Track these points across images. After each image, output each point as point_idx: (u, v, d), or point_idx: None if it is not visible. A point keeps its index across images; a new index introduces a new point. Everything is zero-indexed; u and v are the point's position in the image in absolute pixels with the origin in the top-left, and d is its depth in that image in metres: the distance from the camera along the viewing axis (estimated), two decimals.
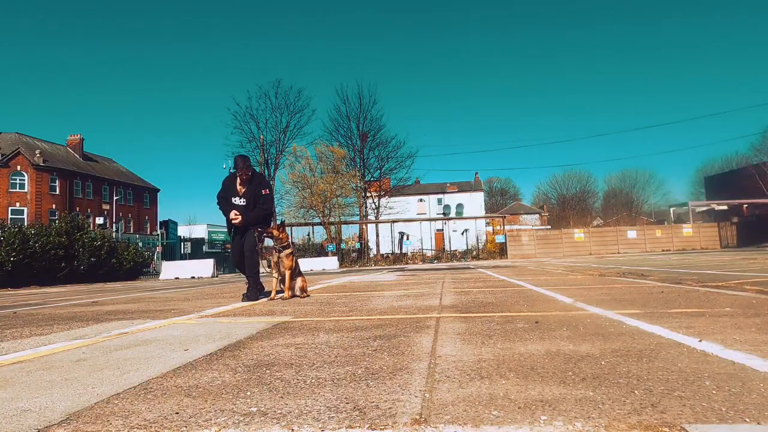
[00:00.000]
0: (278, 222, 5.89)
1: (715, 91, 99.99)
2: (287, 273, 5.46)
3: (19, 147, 40.54)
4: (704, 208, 49.14)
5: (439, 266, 23.37)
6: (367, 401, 1.51)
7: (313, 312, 4.23)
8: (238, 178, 5.76)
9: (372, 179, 41.93)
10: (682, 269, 9.21)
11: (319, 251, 38.61)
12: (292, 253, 5.52)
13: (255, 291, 5.69)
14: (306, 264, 31.88)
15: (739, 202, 45.75)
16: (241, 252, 5.77)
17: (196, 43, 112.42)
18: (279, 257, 5.43)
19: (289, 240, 5.59)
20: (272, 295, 5.64)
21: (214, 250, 40.87)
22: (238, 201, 5.71)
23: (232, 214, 5.60)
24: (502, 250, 37.67)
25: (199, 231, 54.00)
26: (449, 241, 40.83)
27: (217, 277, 22.32)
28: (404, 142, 65.55)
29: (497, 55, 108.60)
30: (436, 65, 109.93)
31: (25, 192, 39.92)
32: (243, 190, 5.75)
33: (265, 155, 38.74)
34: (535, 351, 2.16)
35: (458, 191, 57.76)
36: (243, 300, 5.62)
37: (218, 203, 5.84)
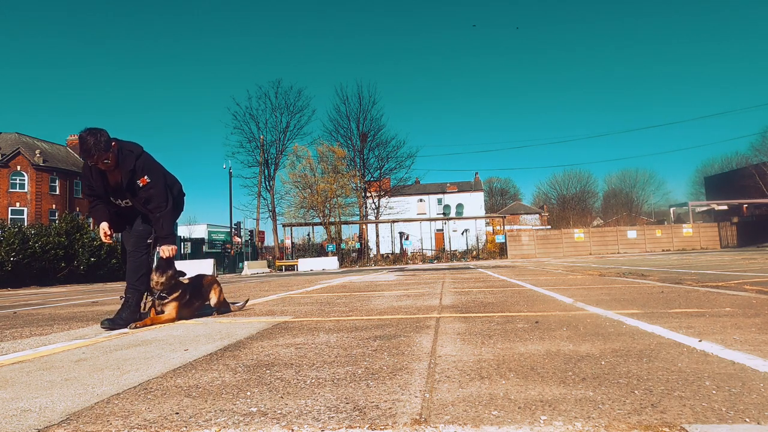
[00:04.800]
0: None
1: (715, 91, 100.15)
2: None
3: (19, 147, 40.54)
4: (704, 208, 49.14)
5: (439, 266, 23.37)
6: (367, 401, 1.51)
7: (313, 312, 4.23)
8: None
9: (372, 179, 41.96)
10: (682, 269, 9.20)
11: (319, 251, 38.65)
12: (177, 298, 3.84)
13: (129, 310, 3.72)
14: (306, 264, 31.91)
15: (739, 202, 45.75)
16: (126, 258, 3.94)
17: (196, 43, 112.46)
18: (162, 307, 3.79)
19: (174, 280, 3.83)
20: (145, 319, 3.70)
21: (214, 250, 40.89)
22: (121, 203, 3.86)
23: (104, 229, 3.83)
24: (502, 250, 37.68)
25: (199, 231, 53.93)
26: (449, 241, 40.83)
27: (216, 277, 22.31)
28: (404, 142, 65.92)
29: (497, 54, 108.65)
30: (436, 65, 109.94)
31: (25, 192, 39.90)
32: (120, 180, 3.73)
33: (265, 155, 38.79)
34: (535, 351, 2.16)
35: (458, 191, 57.75)
36: (101, 325, 3.63)
37: (90, 206, 3.93)
